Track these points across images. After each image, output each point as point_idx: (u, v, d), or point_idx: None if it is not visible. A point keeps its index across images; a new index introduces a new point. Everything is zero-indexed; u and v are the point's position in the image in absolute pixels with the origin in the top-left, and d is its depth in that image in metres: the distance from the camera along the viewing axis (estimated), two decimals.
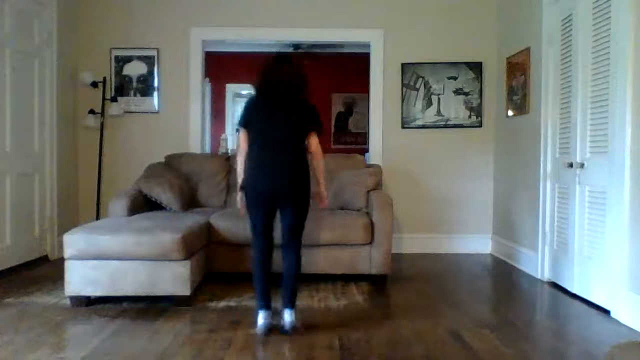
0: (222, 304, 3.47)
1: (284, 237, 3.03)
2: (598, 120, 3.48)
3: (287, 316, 2.92)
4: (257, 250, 3.02)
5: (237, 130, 3.19)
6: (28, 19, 4.57)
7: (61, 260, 3.50)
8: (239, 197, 3.06)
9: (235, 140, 8.32)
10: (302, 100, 3.04)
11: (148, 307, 3.38)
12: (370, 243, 4.01)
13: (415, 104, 5.42)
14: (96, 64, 5.30)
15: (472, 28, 5.40)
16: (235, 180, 4.81)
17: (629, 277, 3.14)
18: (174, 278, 3.35)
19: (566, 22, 3.92)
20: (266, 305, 2.93)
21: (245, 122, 3.01)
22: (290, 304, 2.95)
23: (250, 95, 3.11)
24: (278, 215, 3.03)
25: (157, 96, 5.37)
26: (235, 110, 9.37)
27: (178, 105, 5.37)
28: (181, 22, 5.34)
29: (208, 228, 3.95)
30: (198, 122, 5.39)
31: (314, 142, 3.04)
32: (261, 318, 2.90)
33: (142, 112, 5.36)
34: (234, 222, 3.94)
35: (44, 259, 4.78)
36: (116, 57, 5.33)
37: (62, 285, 3.40)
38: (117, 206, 4.04)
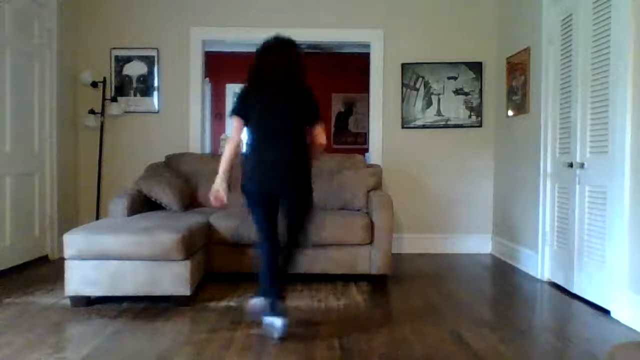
0: (222, 304, 3.47)
1: (288, 236, 2.93)
2: (598, 120, 3.48)
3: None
4: (263, 250, 2.92)
5: (230, 116, 2.99)
6: (28, 19, 4.56)
7: (61, 260, 3.50)
8: (218, 184, 2.87)
9: None
10: (300, 87, 2.88)
11: (148, 307, 3.38)
12: (370, 243, 4.01)
13: (415, 104, 5.42)
14: (96, 64, 5.30)
15: (472, 28, 5.40)
16: (235, 181, 4.84)
17: (629, 277, 3.14)
18: (174, 278, 3.35)
19: (566, 22, 3.92)
20: (275, 294, 2.82)
21: (240, 110, 2.86)
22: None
23: (244, 85, 2.95)
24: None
25: (157, 96, 5.37)
26: None
27: (178, 105, 5.37)
28: (181, 22, 5.34)
29: (208, 228, 3.96)
30: (198, 122, 5.39)
31: (320, 133, 2.89)
32: (273, 315, 2.80)
33: (142, 112, 5.36)
34: (234, 222, 3.95)
35: (44, 259, 4.78)
36: (116, 57, 5.33)
37: (62, 285, 3.40)
38: (117, 206, 4.05)
